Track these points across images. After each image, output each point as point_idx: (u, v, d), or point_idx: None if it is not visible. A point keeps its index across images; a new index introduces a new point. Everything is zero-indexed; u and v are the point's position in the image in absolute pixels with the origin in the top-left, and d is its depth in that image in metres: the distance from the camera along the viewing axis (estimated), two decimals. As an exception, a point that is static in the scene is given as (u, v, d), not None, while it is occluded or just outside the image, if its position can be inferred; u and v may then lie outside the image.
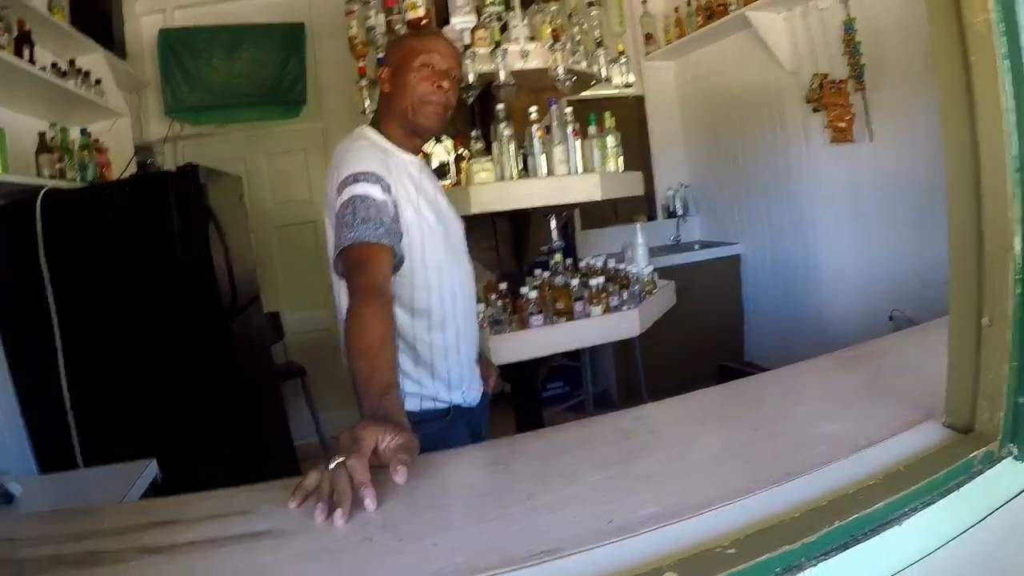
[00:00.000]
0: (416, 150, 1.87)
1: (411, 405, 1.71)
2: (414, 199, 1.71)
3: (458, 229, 1.92)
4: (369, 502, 0.98)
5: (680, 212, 5.69)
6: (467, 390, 1.85)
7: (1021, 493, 1.00)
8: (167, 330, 2.93)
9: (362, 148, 1.70)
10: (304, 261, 5.04)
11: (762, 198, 4.99)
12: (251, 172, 4.82)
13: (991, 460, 0.97)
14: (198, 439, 2.88)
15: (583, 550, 0.83)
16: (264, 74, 4.82)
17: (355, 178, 1.59)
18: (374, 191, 1.58)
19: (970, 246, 0.98)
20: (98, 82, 3.73)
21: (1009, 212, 0.91)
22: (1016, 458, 0.98)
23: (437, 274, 1.74)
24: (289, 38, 4.86)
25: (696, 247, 5.47)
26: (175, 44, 4.69)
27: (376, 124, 1.83)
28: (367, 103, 2.98)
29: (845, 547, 0.82)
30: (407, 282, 1.71)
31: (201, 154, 4.41)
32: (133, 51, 4.56)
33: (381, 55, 2.86)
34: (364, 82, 2.98)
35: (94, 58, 3.79)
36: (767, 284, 5.01)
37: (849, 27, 3.87)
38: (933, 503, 0.89)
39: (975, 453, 0.95)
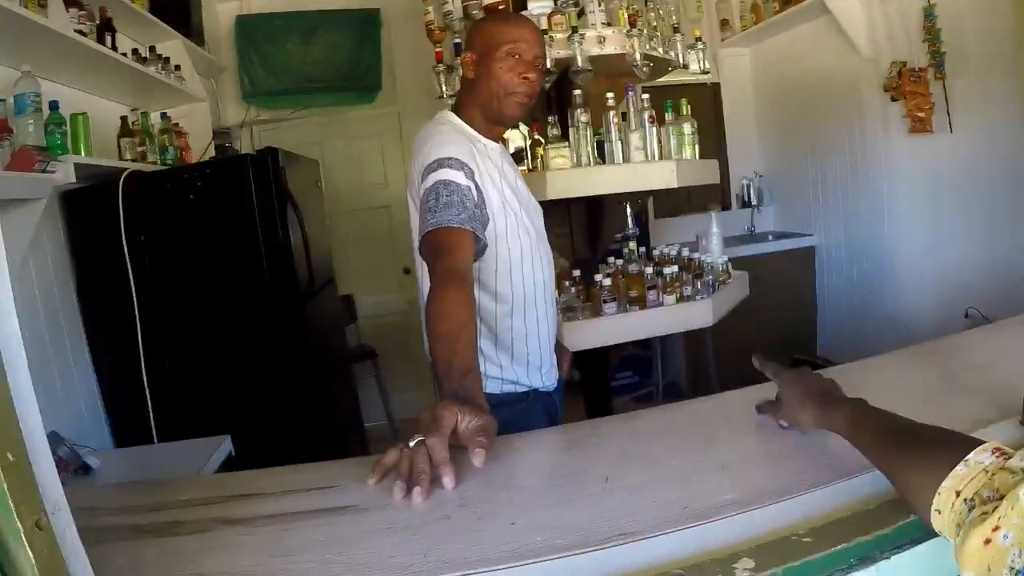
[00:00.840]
0: (497, 137, 1.87)
1: (492, 388, 1.72)
2: (498, 185, 1.73)
3: (538, 215, 1.93)
4: (448, 480, 1.00)
5: (754, 202, 5.61)
6: (546, 374, 1.87)
7: None
8: (244, 310, 3.00)
9: (445, 133, 1.71)
10: (378, 245, 5.14)
11: (837, 189, 4.89)
12: (326, 157, 4.91)
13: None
14: (271, 418, 2.95)
15: (659, 534, 0.85)
16: (339, 59, 4.92)
17: (439, 163, 1.61)
18: (458, 177, 1.59)
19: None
20: (177, 68, 3.84)
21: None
22: None
23: (519, 259, 1.76)
24: (364, 23, 4.94)
25: (770, 237, 5.40)
26: (251, 30, 4.83)
27: (457, 109, 1.84)
28: (444, 88, 3.01)
29: (918, 541, 0.84)
30: (491, 267, 1.72)
31: (277, 139, 4.53)
32: (211, 38, 4.68)
33: (458, 40, 2.89)
34: (441, 68, 3.00)
35: (173, 44, 3.90)
36: (841, 277, 4.92)
37: (930, 14, 3.76)
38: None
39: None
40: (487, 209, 1.66)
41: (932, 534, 0.83)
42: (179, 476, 2.04)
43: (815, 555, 0.79)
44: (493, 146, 1.82)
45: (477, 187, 1.63)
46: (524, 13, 2.72)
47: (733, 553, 0.80)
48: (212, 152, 4.12)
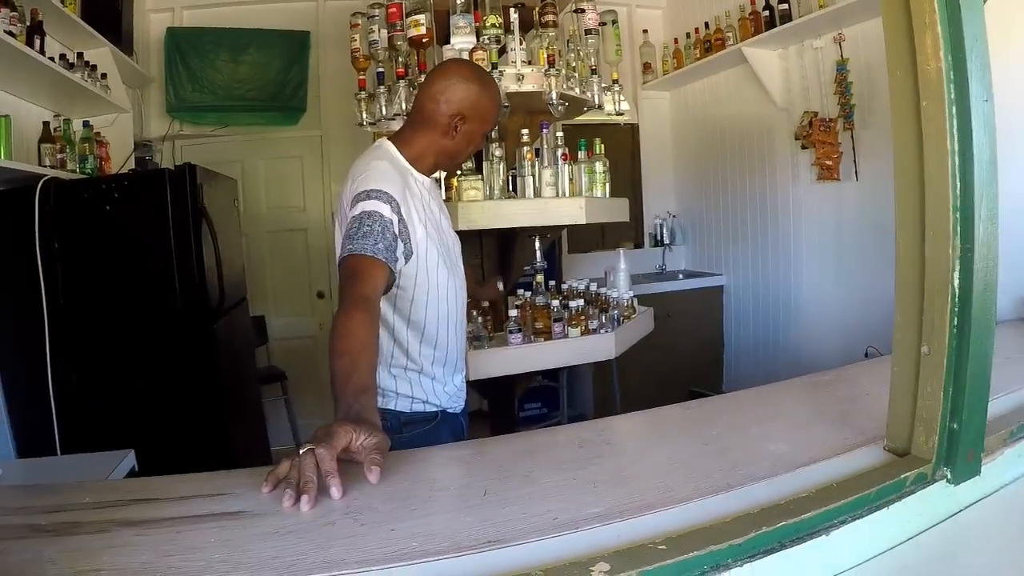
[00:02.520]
0: (431, 173, 1.92)
1: (403, 406, 1.79)
2: (423, 219, 1.76)
3: (455, 246, 1.98)
4: (335, 491, 1.02)
5: (667, 241, 5.74)
6: (453, 396, 1.93)
7: (953, 515, 1.06)
8: (154, 326, 2.95)
9: (381, 168, 1.73)
10: (293, 268, 5.10)
11: (748, 231, 5.07)
12: (247, 176, 4.88)
13: (924, 481, 1.03)
14: (176, 435, 2.89)
15: (526, 542, 0.88)
16: (267, 79, 4.89)
17: (367, 194, 1.64)
18: (383, 209, 1.63)
19: (914, 280, 1.05)
20: (104, 76, 3.77)
21: (949, 249, 0.97)
22: (949, 481, 1.04)
23: (437, 290, 1.80)
24: (294, 45, 4.93)
25: (680, 276, 5.53)
26: (182, 43, 4.75)
27: (400, 142, 1.86)
28: (364, 116, 3.02)
29: (770, 551, 0.87)
30: (408, 295, 1.76)
31: (198, 155, 4.47)
32: (140, 48, 4.61)
33: (381, 69, 2.92)
34: (363, 95, 3.01)
35: (101, 52, 3.83)
36: (748, 316, 5.08)
37: (842, 67, 3.98)
38: (863, 517, 0.95)
39: (908, 474, 1.01)
40: (411, 243, 1.71)
41: (784, 545, 0.87)
42: (81, 481, 1.99)
43: (668, 561, 0.81)
44: (425, 181, 1.88)
45: (402, 220, 1.67)
46: (447, 47, 2.76)
47: (592, 558, 0.82)
48: (132, 164, 4.07)
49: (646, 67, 5.61)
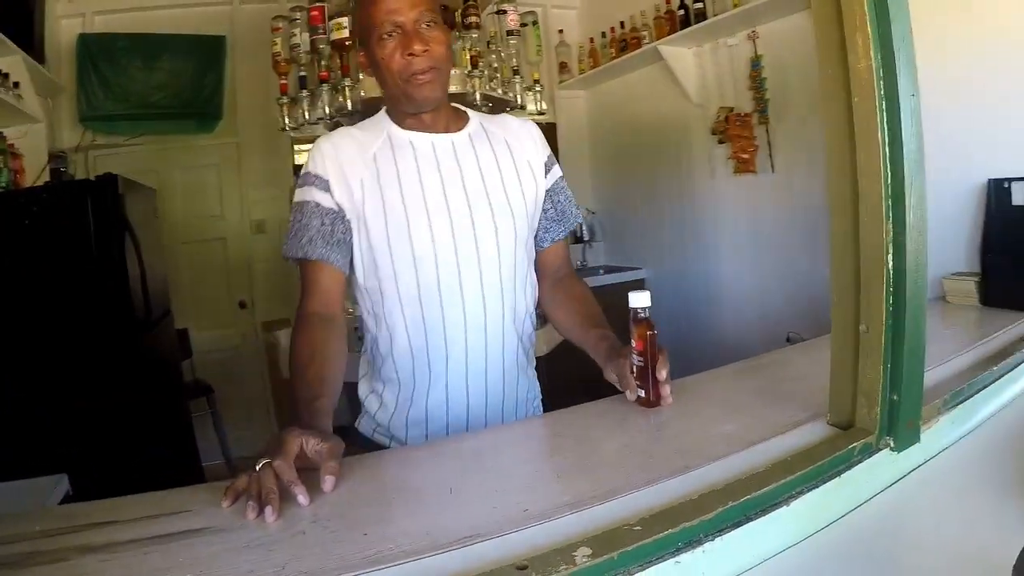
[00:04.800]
0: (435, 124, 1.58)
1: (364, 428, 1.66)
2: (379, 188, 1.51)
3: (484, 215, 1.56)
4: (301, 498, 1.02)
5: (587, 237, 5.85)
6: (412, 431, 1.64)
7: (899, 480, 1.15)
8: (79, 342, 2.87)
9: (332, 135, 1.56)
10: (213, 279, 5.01)
11: (667, 225, 5.22)
12: (163, 185, 4.74)
13: (870, 451, 1.11)
14: (108, 456, 2.81)
15: (502, 534, 0.91)
16: (181, 86, 4.78)
17: (299, 180, 1.53)
18: (309, 194, 1.50)
19: (850, 263, 1.12)
20: (16, 85, 3.63)
21: (883, 233, 1.05)
22: (893, 449, 1.13)
23: (387, 278, 1.53)
24: (209, 51, 4.83)
25: (601, 272, 5.63)
26: (94, 50, 4.59)
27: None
28: (287, 121, 3.00)
29: (738, 524, 0.92)
30: (358, 281, 1.58)
31: (113, 165, 4.30)
32: (51, 55, 4.45)
33: (304, 74, 2.90)
34: (285, 100, 2.99)
35: (13, 60, 3.68)
36: (670, 308, 5.21)
37: (756, 64, 4.16)
38: (817, 487, 1.02)
39: (855, 444, 1.09)
40: (364, 221, 1.51)
41: (751, 517, 0.93)
42: (27, 510, 1.91)
43: (645, 540, 0.85)
44: (419, 138, 1.56)
45: (337, 202, 1.51)
46: None
47: (572, 544, 0.85)
48: (47, 176, 3.93)
49: (562, 67, 5.71)
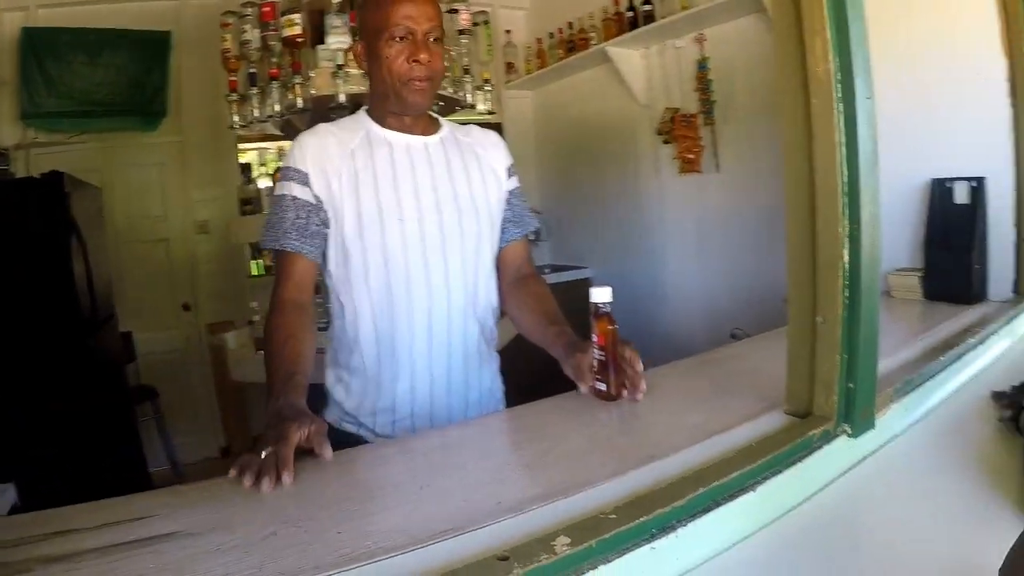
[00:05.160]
0: (415, 127, 1.64)
1: (330, 416, 1.70)
2: (354, 180, 1.57)
3: (459, 229, 1.64)
4: (287, 476, 1.09)
5: (532, 237, 5.86)
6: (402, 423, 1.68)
7: (857, 464, 1.21)
8: (23, 345, 2.79)
9: (310, 133, 1.62)
10: (156, 280, 4.90)
11: (612, 224, 5.29)
12: (105, 185, 4.61)
13: (828, 437, 1.17)
14: (54, 463, 2.73)
15: (478, 527, 0.92)
16: (125, 82, 4.66)
17: (279, 175, 1.64)
18: (288, 188, 1.57)
19: (806, 257, 1.17)
20: None
21: (839, 229, 1.10)
22: (850, 435, 1.19)
23: (356, 268, 1.59)
24: (154, 46, 4.71)
25: (547, 271, 5.67)
26: (37, 44, 4.44)
27: (369, 101, 1.71)
28: (236, 119, 2.95)
29: (708, 510, 0.96)
30: (344, 274, 1.62)
31: (54, 163, 4.15)
32: (-9, 49, 4.30)
33: (253, 70, 2.86)
34: (235, 97, 2.94)
35: None
36: (615, 306, 5.24)
37: (703, 66, 4.25)
38: (781, 473, 1.06)
39: (814, 431, 1.14)
40: (340, 213, 1.57)
41: (720, 503, 0.96)
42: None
43: (622, 527, 0.88)
44: (396, 139, 1.62)
45: (316, 195, 1.57)
46: (322, 47, 2.74)
47: (551, 533, 0.87)
48: (-12, 174, 3.76)
49: (509, 67, 5.73)
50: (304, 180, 1.56)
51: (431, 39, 1.55)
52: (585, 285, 4.75)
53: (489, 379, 1.81)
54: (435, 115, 1.74)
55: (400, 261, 1.57)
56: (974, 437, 1.33)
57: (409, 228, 1.57)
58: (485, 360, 1.78)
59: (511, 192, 1.78)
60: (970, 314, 2.00)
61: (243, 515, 1.02)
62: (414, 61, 1.53)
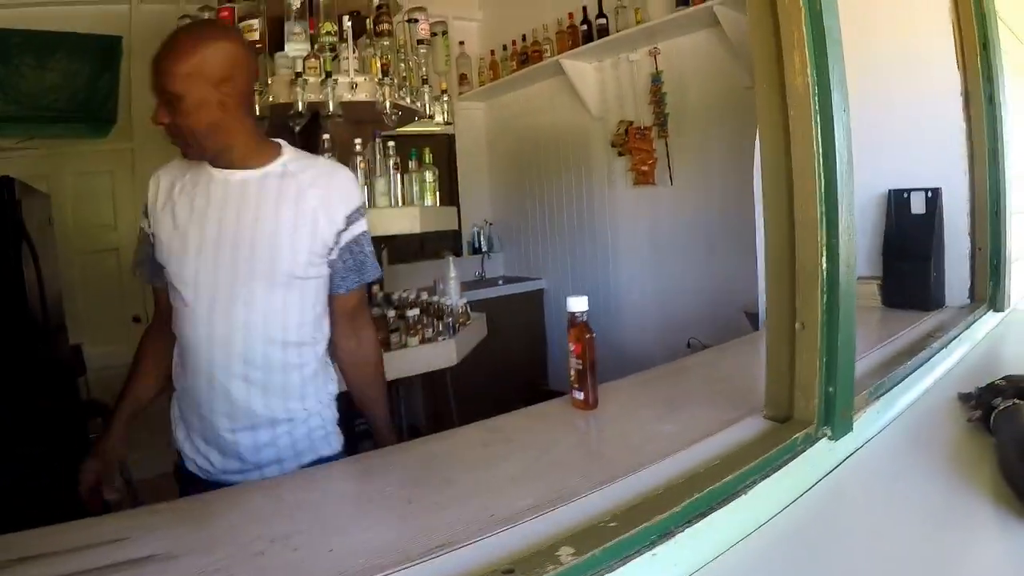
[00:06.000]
0: (228, 164, 1.61)
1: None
2: (172, 213, 1.61)
3: (245, 253, 1.59)
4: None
5: (484, 248, 5.92)
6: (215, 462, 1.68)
7: (838, 466, 1.25)
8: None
9: (160, 168, 1.71)
10: (106, 292, 4.75)
11: (566, 236, 5.35)
12: (54, 192, 4.43)
13: (810, 441, 1.21)
14: (7, 483, 2.63)
15: (474, 541, 0.91)
16: (75, 87, 4.50)
17: None
18: (142, 221, 1.70)
19: (785, 265, 1.21)
20: None
21: (818, 237, 1.14)
22: (830, 438, 1.23)
23: (179, 310, 1.62)
24: (105, 51, 4.56)
25: (500, 282, 5.71)
26: None
27: None
28: None
29: (704, 515, 0.98)
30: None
31: (2, 169, 4.08)
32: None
33: None
34: None
35: None
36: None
37: (656, 79, 4.33)
38: (769, 476, 1.09)
39: (797, 435, 1.18)
40: (157, 245, 1.64)
41: (715, 507, 0.99)
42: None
43: (623, 535, 0.89)
44: (217, 174, 1.61)
45: (149, 217, 1.67)
46: (280, 54, 2.70)
47: (552, 545, 0.87)
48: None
49: (462, 78, 5.76)
50: (146, 213, 1.67)
51: (168, 99, 1.52)
52: (538, 296, 4.83)
53: (304, 418, 1.68)
54: (279, 143, 1.69)
55: (195, 300, 1.57)
56: (944, 437, 1.39)
57: (203, 267, 1.56)
58: (295, 400, 1.66)
59: (353, 239, 1.66)
60: (930, 320, 2.09)
61: (225, 535, 1.00)
62: (159, 123, 1.55)
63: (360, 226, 1.67)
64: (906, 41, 2.31)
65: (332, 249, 1.63)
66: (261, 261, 1.56)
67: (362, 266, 1.69)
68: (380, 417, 1.82)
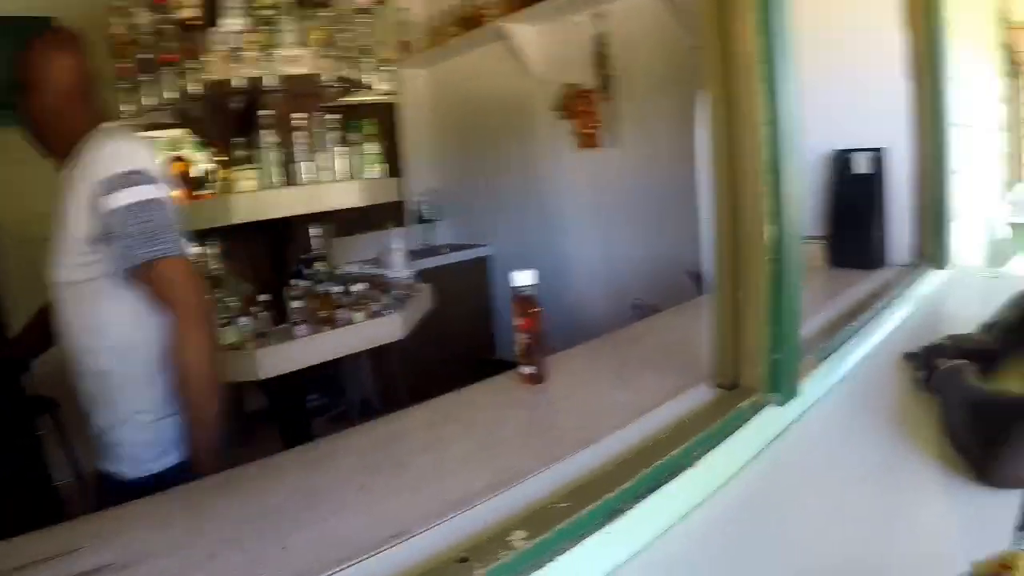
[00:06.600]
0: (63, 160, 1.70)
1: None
2: None
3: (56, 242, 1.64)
4: None
5: (430, 217, 5.87)
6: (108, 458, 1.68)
7: (785, 431, 1.29)
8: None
9: None
10: (42, 282, 4.60)
11: (512, 201, 5.32)
12: (-18, 182, 4.26)
13: (757, 408, 1.23)
14: None
15: (430, 527, 0.91)
16: (2, 72, 4.34)
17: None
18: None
19: (729, 233, 1.22)
20: None
21: (762, 206, 1.15)
22: (778, 404, 1.26)
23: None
24: (32, 34, 4.40)
25: (447, 251, 5.68)
26: None
27: None
28: (127, 108, 2.80)
29: (653, 490, 1.00)
30: None
31: None
32: None
33: (146, 55, 2.70)
34: (125, 84, 2.79)
35: None
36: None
37: (601, 42, 4.28)
38: (716, 446, 1.12)
39: (744, 403, 1.20)
40: None
41: (664, 481, 1.01)
42: None
43: (575, 515, 0.90)
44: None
45: None
46: (214, 29, 2.62)
47: (505, 527, 0.88)
48: None
49: (405, 45, 5.64)
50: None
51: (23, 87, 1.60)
52: (484, 264, 4.83)
53: (126, 403, 1.64)
54: (100, 131, 1.66)
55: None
56: (890, 398, 1.43)
57: (48, 264, 1.65)
58: (116, 388, 1.64)
59: (110, 212, 1.52)
60: (874, 279, 2.14)
61: (178, 538, 0.99)
62: None
63: (122, 196, 1.52)
64: (854, 3, 2.34)
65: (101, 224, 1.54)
66: (60, 254, 1.63)
67: (126, 245, 1.53)
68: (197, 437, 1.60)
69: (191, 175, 2.77)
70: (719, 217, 1.24)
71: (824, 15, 2.32)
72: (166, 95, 2.64)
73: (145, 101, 2.73)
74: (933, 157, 2.29)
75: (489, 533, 0.89)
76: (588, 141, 4.48)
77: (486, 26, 4.81)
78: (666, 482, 1.02)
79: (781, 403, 1.25)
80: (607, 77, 4.27)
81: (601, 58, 4.27)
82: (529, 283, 1.48)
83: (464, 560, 0.83)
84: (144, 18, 2.66)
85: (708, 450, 1.10)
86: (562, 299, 4.88)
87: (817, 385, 1.41)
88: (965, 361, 1.34)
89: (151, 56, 2.69)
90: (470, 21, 5.01)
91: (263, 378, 2.52)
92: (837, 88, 2.33)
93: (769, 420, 1.24)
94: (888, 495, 1.08)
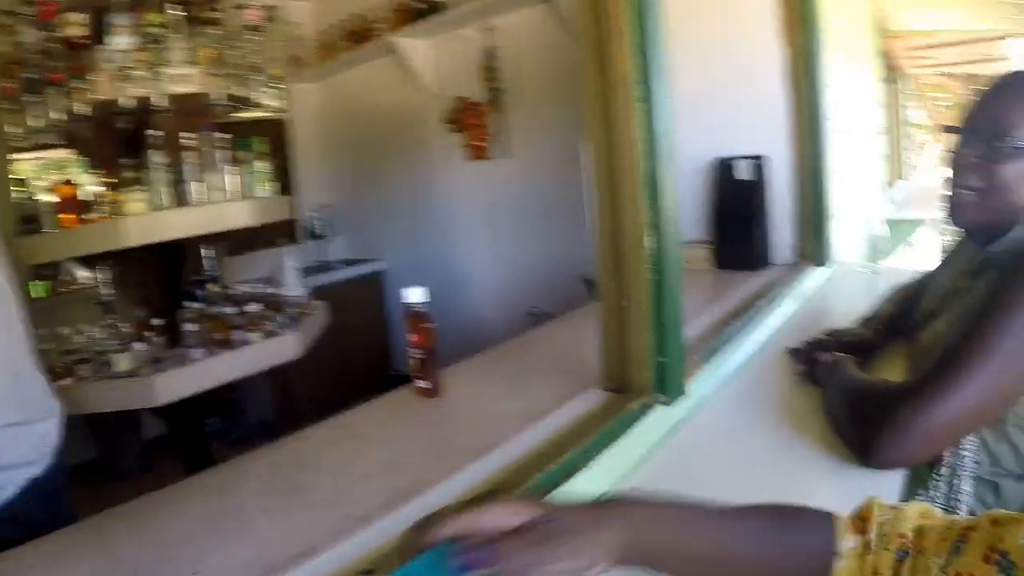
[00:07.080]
0: None
1: None
2: None
3: None
4: None
5: (323, 233, 5.84)
6: None
7: (674, 429, 1.38)
8: None
9: None
10: None
11: (405, 215, 5.35)
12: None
13: (646, 409, 1.31)
14: None
15: (336, 544, 0.94)
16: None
17: None
18: None
19: (611, 245, 1.30)
20: None
21: (640, 217, 1.23)
22: (666, 404, 1.34)
23: None
24: None
25: (341, 266, 5.65)
26: None
27: None
28: (13, 129, 2.71)
29: (549, 492, 1.05)
30: None
31: None
32: None
33: (31, 75, 2.63)
34: (11, 106, 2.69)
35: None
36: (413, 295, 5.34)
37: (491, 55, 4.37)
38: (609, 447, 1.19)
39: (633, 404, 1.28)
40: None
41: (558, 484, 1.06)
42: None
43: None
44: None
45: None
46: (102, 47, 2.57)
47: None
48: None
49: (294, 60, 5.59)
50: None
51: None
52: (379, 278, 4.83)
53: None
54: None
55: None
56: (776, 392, 1.54)
57: None
58: None
59: None
60: (758, 279, 2.29)
61: (85, 570, 0.98)
62: None
63: None
64: (732, 16, 2.51)
65: None
66: None
67: None
68: None
69: (79, 198, 2.70)
70: (601, 229, 1.31)
71: (705, 29, 2.47)
72: (52, 115, 2.57)
73: (31, 122, 2.67)
74: (811, 161, 2.45)
75: (392, 545, 0.92)
76: (479, 153, 4.56)
77: (376, 40, 4.84)
78: (563, 483, 1.07)
79: (668, 403, 1.33)
80: (496, 90, 4.36)
81: (490, 71, 4.36)
82: (420, 300, 1.51)
83: (369, 572, 0.86)
84: (30, 36, 2.59)
85: (600, 451, 1.16)
86: (459, 310, 4.94)
87: (704, 383, 1.50)
88: (845, 354, 1.45)
89: (37, 76, 2.62)
90: (360, 35, 5.02)
91: (161, 404, 2.47)
92: (719, 99, 2.49)
93: (658, 420, 1.32)
94: (776, 481, 1.17)
